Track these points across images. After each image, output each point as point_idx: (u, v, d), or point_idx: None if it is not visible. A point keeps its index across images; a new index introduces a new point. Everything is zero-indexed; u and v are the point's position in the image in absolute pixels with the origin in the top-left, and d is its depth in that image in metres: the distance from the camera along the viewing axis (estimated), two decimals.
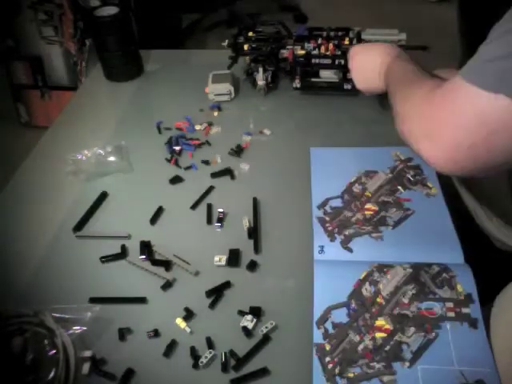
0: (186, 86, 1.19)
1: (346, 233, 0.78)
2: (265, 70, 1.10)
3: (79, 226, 0.84)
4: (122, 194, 0.91)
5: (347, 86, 1.06)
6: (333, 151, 0.94)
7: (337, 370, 0.62)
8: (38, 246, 0.82)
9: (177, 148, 0.99)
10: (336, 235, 0.78)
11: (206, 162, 0.96)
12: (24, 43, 2.02)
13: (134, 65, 1.24)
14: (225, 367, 0.64)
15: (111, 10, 1.16)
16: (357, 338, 0.64)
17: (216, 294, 0.72)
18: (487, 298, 0.68)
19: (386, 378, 0.61)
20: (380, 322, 0.66)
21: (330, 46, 1.04)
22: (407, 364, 0.62)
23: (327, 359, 0.63)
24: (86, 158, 0.94)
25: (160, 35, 2.10)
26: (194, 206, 0.87)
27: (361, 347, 0.64)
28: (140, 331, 0.69)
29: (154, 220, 0.85)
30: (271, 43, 1.09)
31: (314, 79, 1.09)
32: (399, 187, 0.85)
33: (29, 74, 2.08)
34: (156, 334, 0.68)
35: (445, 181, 0.85)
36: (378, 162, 0.90)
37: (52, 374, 0.62)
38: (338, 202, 0.84)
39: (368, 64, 0.89)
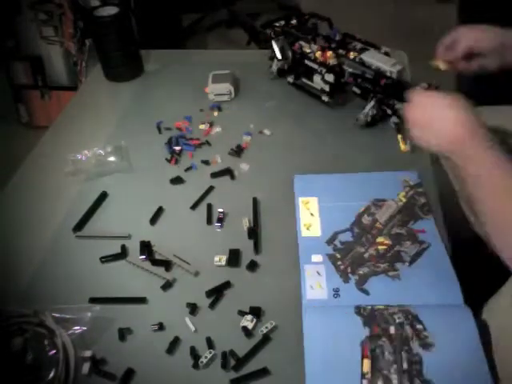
0: (186, 85, 1.19)
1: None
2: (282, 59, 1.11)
3: (79, 226, 0.84)
4: (122, 194, 0.91)
5: (324, 98, 1.05)
6: (321, 178, 0.88)
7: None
8: (38, 246, 0.82)
9: (177, 148, 0.99)
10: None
11: (206, 162, 0.96)
12: (24, 43, 2.02)
13: (134, 65, 1.24)
14: (225, 367, 0.64)
15: (111, 10, 1.16)
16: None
17: (216, 294, 0.72)
18: (483, 300, 0.68)
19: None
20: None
21: (329, 53, 1.03)
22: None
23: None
24: (86, 157, 0.94)
25: (160, 35, 2.10)
26: (194, 206, 0.87)
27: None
28: (140, 331, 0.69)
29: (154, 220, 0.85)
30: (293, 34, 1.10)
31: (304, 80, 1.09)
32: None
33: (29, 74, 2.07)
34: (160, 328, 0.68)
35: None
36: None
37: (52, 374, 0.62)
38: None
39: (435, 127, 0.67)
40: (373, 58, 1.00)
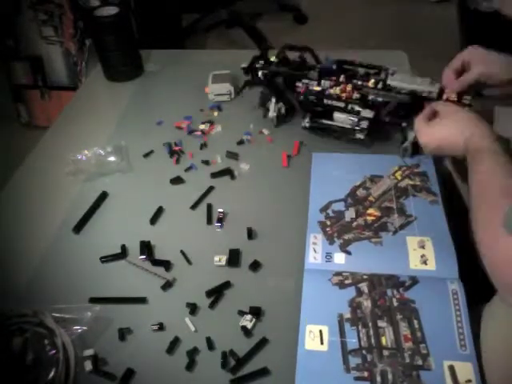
0: (186, 85, 1.19)
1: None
2: (278, 101, 1.01)
3: (79, 226, 0.84)
4: (122, 194, 0.91)
5: (360, 136, 0.93)
6: (336, 156, 0.93)
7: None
8: (37, 246, 0.82)
9: (177, 148, 0.99)
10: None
11: (206, 162, 0.96)
12: (24, 43, 2.02)
13: (134, 65, 1.24)
14: (225, 367, 0.64)
15: (111, 10, 1.17)
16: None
17: (216, 294, 0.72)
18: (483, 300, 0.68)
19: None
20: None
21: (348, 87, 0.92)
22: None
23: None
24: (86, 157, 0.94)
25: (160, 35, 2.10)
26: (194, 206, 0.87)
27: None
28: (140, 331, 0.69)
29: (154, 220, 0.85)
30: (289, 73, 0.99)
31: (325, 121, 0.96)
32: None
33: (29, 74, 2.07)
34: (160, 328, 0.68)
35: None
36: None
37: (52, 374, 0.62)
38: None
39: (452, 133, 0.75)
40: (403, 82, 0.91)
